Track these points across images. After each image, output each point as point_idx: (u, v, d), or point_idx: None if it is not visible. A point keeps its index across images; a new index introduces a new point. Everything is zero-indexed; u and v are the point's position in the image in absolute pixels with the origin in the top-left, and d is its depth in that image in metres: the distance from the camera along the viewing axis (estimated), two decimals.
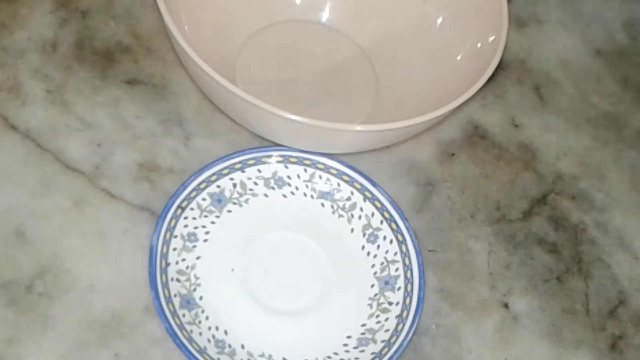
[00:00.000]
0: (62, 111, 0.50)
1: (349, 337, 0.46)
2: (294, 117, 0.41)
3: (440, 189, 0.54)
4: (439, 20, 0.55)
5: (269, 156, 0.49)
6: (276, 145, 0.49)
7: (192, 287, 0.45)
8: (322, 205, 0.50)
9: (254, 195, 0.49)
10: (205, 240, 0.47)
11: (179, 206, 0.46)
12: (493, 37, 0.49)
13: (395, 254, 0.48)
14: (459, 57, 0.53)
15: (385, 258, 0.48)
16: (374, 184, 0.49)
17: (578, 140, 0.59)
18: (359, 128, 0.43)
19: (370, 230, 0.49)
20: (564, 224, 0.54)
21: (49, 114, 0.50)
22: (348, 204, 0.50)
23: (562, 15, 0.67)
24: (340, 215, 0.50)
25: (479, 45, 0.51)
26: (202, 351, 0.42)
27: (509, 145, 0.58)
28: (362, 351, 0.45)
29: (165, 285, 0.44)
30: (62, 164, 0.48)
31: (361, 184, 0.49)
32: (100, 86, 0.52)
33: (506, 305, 0.50)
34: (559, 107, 0.61)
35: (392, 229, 0.48)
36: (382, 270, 0.48)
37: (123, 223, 0.47)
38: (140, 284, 0.45)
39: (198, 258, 0.46)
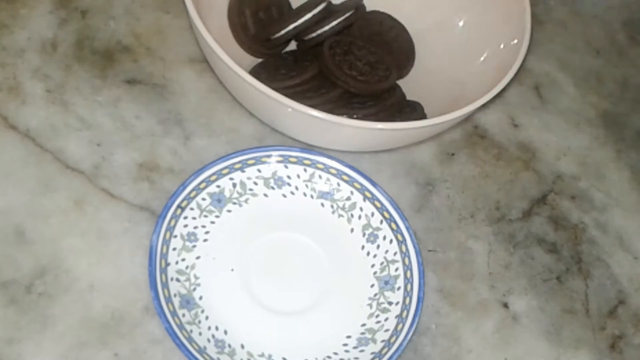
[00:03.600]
0: (62, 111, 0.50)
1: (348, 336, 0.46)
2: (316, 113, 0.42)
3: (440, 188, 0.54)
4: (461, 23, 0.56)
5: (269, 156, 0.49)
6: (276, 145, 0.49)
7: (192, 287, 0.45)
8: (322, 205, 0.50)
9: (254, 195, 0.49)
10: (205, 240, 0.47)
11: (178, 206, 0.46)
12: (515, 41, 0.49)
13: (395, 253, 0.48)
14: (481, 59, 0.53)
15: (385, 258, 0.48)
16: (373, 183, 0.49)
17: (578, 140, 0.60)
18: (380, 126, 0.43)
19: (370, 230, 0.49)
20: (563, 223, 0.55)
21: (48, 114, 0.50)
22: (348, 203, 0.50)
23: (562, 15, 0.67)
24: (340, 215, 0.50)
25: (501, 46, 0.51)
26: (201, 351, 0.42)
27: (509, 145, 0.58)
28: (362, 351, 0.45)
29: (165, 285, 0.44)
30: (61, 164, 0.48)
31: (361, 184, 0.49)
32: (100, 86, 0.52)
33: (506, 305, 0.50)
34: (559, 107, 0.61)
35: (392, 229, 0.48)
36: (382, 270, 0.48)
37: (123, 223, 0.47)
38: (140, 283, 0.45)
39: (198, 258, 0.46)
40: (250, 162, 0.49)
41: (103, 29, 0.54)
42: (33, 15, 0.53)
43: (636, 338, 0.51)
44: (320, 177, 0.50)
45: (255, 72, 0.52)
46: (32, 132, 0.49)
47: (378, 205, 0.49)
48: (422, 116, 0.52)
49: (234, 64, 0.42)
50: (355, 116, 0.50)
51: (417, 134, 0.48)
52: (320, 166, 0.50)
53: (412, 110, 0.53)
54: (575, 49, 0.65)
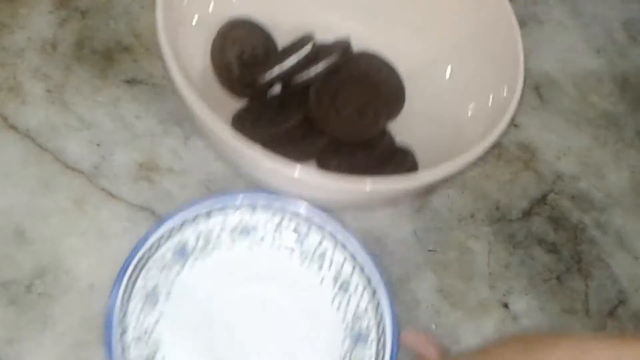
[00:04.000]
0: (62, 111, 0.50)
1: None
2: (301, 173, 0.40)
3: (439, 188, 0.54)
4: (449, 69, 0.54)
5: (235, 203, 0.46)
6: (241, 191, 0.47)
7: (153, 350, 0.42)
8: (291, 253, 0.47)
9: (219, 245, 0.46)
10: (167, 298, 0.44)
11: (138, 262, 0.43)
12: (506, 92, 0.47)
13: (367, 307, 0.45)
14: (470, 106, 0.51)
15: (356, 311, 0.46)
16: (344, 229, 0.46)
17: (578, 140, 0.59)
18: (367, 188, 0.41)
19: (341, 281, 0.46)
20: (563, 223, 0.54)
21: (48, 114, 0.50)
22: (318, 251, 0.47)
23: (562, 15, 0.67)
24: (310, 264, 0.47)
25: (490, 97, 0.49)
26: None
27: (509, 145, 0.58)
28: None
29: (125, 351, 0.41)
30: (61, 164, 0.48)
31: (331, 231, 0.46)
32: (99, 86, 0.52)
33: (506, 305, 0.50)
34: (559, 107, 0.61)
35: (364, 279, 0.46)
36: (354, 323, 0.45)
37: (123, 222, 0.47)
38: None
39: (159, 317, 0.44)
40: (214, 211, 0.46)
41: (103, 29, 0.54)
42: (33, 15, 0.53)
43: None
44: (289, 222, 0.47)
45: (238, 118, 0.50)
46: (32, 132, 0.49)
47: (349, 253, 0.46)
48: (413, 164, 0.50)
49: (211, 116, 0.40)
50: (342, 166, 0.48)
51: (408, 190, 0.45)
52: (289, 213, 0.47)
53: (402, 158, 0.50)
54: (575, 49, 0.65)
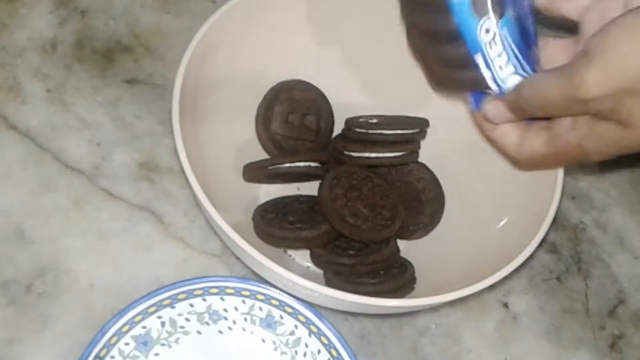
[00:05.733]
0: (62, 110, 0.50)
1: None
2: (309, 284, 0.37)
3: None
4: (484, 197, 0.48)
5: (202, 288, 0.43)
6: (210, 276, 0.44)
7: None
8: (263, 341, 0.44)
9: (186, 333, 0.43)
10: None
11: (96, 357, 0.41)
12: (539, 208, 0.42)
13: None
14: (498, 226, 0.46)
15: None
16: (320, 316, 0.43)
17: None
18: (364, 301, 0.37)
19: None
20: (563, 223, 0.54)
21: (48, 114, 0.50)
22: (292, 339, 0.44)
23: None
24: (283, 352, 0.44)
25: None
26: None
27: None
28: None
29: None
30: (61, 164, 0.48)
31: (306, 317, 0.43)
32: (99, 86, 0.52)
33: (506, 305, 0.50)
34: None
35: None
36: None
37: (122, 222, 0.47)
38: (140, 283, 0.45)
39: None
40: (181, 296, 0.43)
41: (103, 29, 0.54)
42: (33, 15, 0.53)
43: (636, 338, 0.51)
44: (260, 309, 0.44)
45: (264, 210, 0.46)
46: (32, 132, 0.49)
47: (325, 341, 0.43)
48: (409, 281, 0.45)
49: (220, 218, 0.37)
50: (333, 262, 0.44)
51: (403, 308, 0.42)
52: (261, 297, 0.44)
53: (400, 272, 0.45)
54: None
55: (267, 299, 0.44)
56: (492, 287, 0.50)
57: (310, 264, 0.47)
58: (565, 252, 0.53)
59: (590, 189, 0.57)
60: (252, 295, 0.44)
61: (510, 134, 0.39)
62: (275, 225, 0.44)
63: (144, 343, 0.42)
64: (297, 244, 0.44)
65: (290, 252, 0.48)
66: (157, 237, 0.47)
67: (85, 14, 0.54)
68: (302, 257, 0.47)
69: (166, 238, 0.47)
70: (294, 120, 0.49)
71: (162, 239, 0.47)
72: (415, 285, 0.45)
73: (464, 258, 0.45)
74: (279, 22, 0.47)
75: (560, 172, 0.42)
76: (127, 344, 0.42)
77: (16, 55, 0.52)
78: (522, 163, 0.39)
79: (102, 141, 0.50)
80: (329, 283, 0.45)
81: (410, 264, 0.46)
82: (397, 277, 0.44)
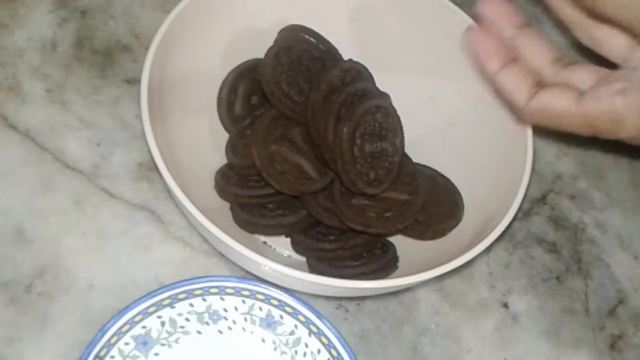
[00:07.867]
0: (62, 110, 0.50)
1: None
2: (292, 272, 0.38)
3: None
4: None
5: (202, 288, 0.43)
6: (210, 276, 0.44)
7: None
8: (263, 340, 0.44)
9: (186, 333, 0.43)
10: None
11: (96, 356, 0.41)
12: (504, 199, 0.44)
13: None
14: (474, 200, 0.48)
15: None
16: (319, 316, 0.43)
17: (578, 140, 0.59)
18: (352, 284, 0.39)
19: None
20: (563, 223, 0.54)
21: (48, 113, 0.50)
22: (291, 339, 0.44)
23: None
24: (283, 352, 0.44)
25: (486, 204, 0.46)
26: None
27: None
28: None
29: None
30: (61, 164, 0.48)
31: (306, 317, 0.43)
32: (99, 85, 0.52)
33: (506, 305, 0.50)
34: None
35: None
36: None
37: (122, 222, 0.47)
38: (140, 283, 0.45)
39: None
40: (180, 296, 0.43)
41: (103, 29, 0.54)
42: (33, 15, 0.53)
43: (636, 338, 0.51)
44: (260, 309, 0.44)
45: (223, 171, 0.47)
46: (32, 132, 0.49)
47: (325, 341, 0.43)
48: (392, 260, 0.46)
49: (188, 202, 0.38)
50: (314, 248, 0.46)
51: (383, 289, 0.43)
52: (261, 297, 0.44)
53: (382, 252, 0.46)
54: (575, 48, 0.65)
55: (267, 299, 0.44)
56: (492, 287, 0.50)
57: (291, 252, 0.48)
58: (565, 252, 0.53)
59: (590, 189, 0.57)
60: (252, 295, 0.44)
61: (522, 81, 0.34)
62: (256, 213, 0.45)
63: (144, 343, 0.43)
64: (280, 230, 0.46)
65: (270, 242, 0.48)
66: (157, 237, 0.47)
67: (85, 14, 0.54)
68: (282, 246, 0.48)
69: (166, 238, 0.47)
70: (256, 102, 0.49)
71: (162, 238, 0.47)
72: (398, 264, 0.46)
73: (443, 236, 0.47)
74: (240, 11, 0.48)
75: (529, 140, 0.43)
76: (127, 343, 0.42)
77: (16, 55, 0.52)
78: (528, 115, 0.34)
79: (102, 141, 0.50)
80: (313, 270, 0.46)
81: (392, 244, 0.48)
82: (379, 257, 0.46)
